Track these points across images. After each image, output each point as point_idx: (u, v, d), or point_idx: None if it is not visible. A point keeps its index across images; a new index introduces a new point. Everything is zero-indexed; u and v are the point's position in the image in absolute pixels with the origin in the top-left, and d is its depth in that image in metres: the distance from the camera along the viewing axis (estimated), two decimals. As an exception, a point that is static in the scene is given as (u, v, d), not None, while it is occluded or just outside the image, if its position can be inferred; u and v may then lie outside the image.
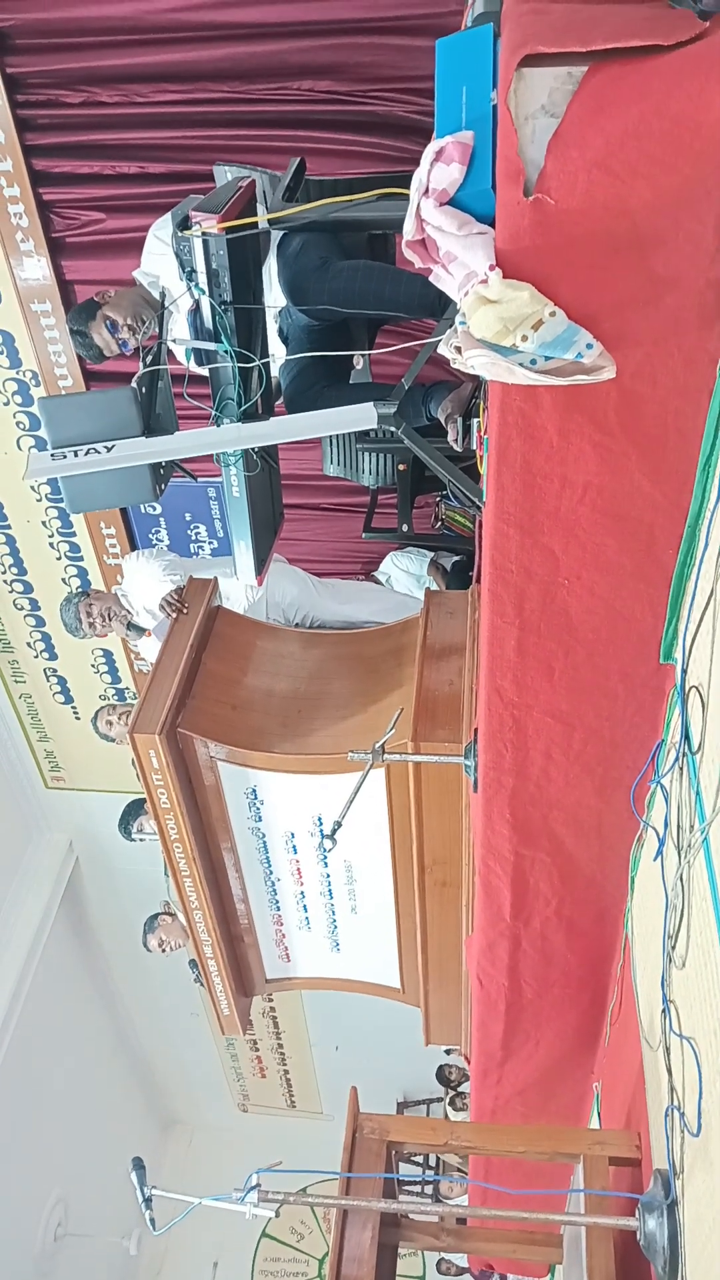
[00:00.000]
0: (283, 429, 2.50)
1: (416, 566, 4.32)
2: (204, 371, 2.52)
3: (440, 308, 2.50)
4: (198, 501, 5.01)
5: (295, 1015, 8.46)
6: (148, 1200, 2.27)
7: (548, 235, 1.53)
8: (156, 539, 5.21)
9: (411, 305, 2.71)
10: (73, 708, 6.20)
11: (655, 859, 2.14)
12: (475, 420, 2.57)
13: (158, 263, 2.86)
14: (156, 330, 2.74)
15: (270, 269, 2.81)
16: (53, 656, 5.95)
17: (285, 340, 2.98)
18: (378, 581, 4.40)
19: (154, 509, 5.09)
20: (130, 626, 3.74)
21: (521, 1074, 3.18)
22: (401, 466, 3.48)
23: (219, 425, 2.45)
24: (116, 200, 4.09)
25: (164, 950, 4.04)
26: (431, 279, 1.68)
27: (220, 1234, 8.21)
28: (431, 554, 4.33)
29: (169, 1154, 9.71)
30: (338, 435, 3.59)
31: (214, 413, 2.46)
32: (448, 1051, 7.28)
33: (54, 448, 2.33)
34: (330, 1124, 9.12)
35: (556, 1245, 2.90)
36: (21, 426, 4.85)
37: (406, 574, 4.30)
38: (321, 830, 3.11)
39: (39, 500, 5.18)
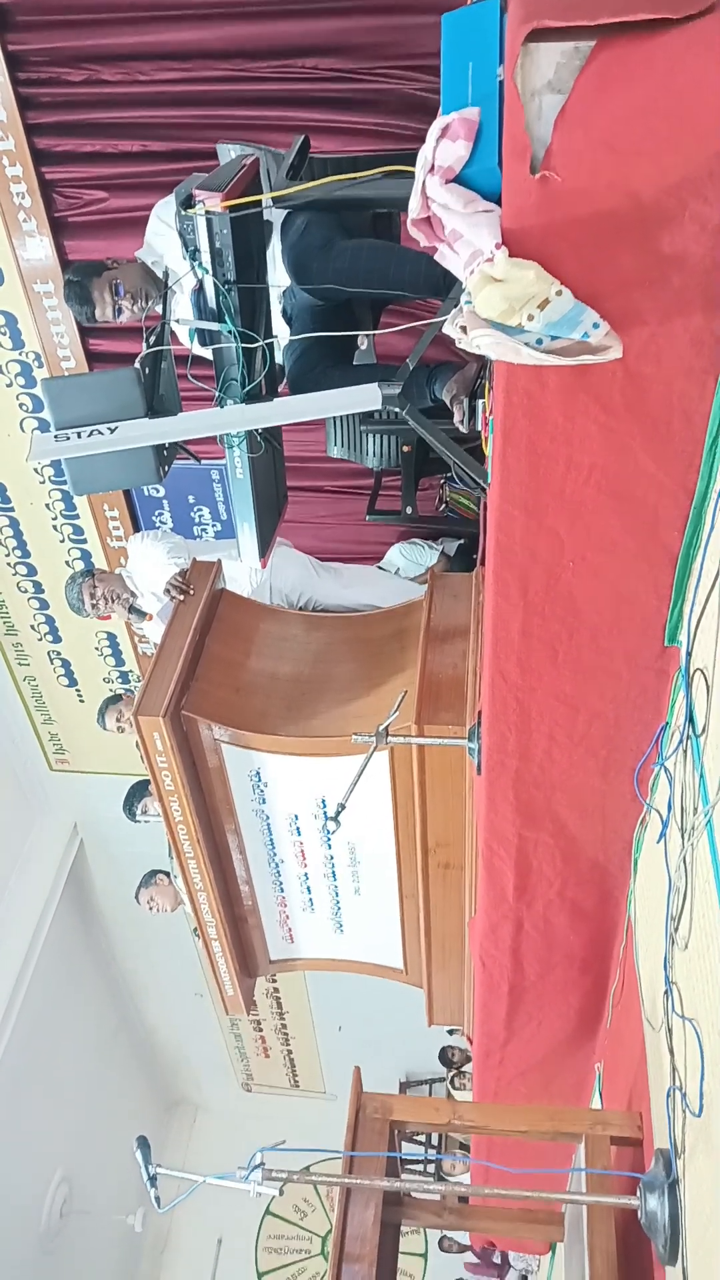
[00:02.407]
0: (286, 410, 2.49)
1: (426, 558, 4.30)
2: (207, 353, 2.51)
3: (445, 287, 2.48)
4: (201, 483, 5.00)
5: (299, 995, 8.50)
6: (152, 1179, 2.28)
7: (554, 213, 1.52)
8: (160, 521, 5.21)
9: (416, 284, 2.70)
10: (77, 690, 6.21)
11: (658, 841, 2.14)
12: (480, 401, 2.56)
13: (161, 242, 2.84)
14: (160, 310, 2.72)
15: (274, 248, 2.79)
16: (56, 639, 5.96)
17: (289, 320, 2.96)
18: (384, 571, 4.38)
19: (157, 491, 5.08)
20: (132, 610, 3.74)
21: (524, 1055, 3.19)
22: (406, 448, 3.47)
23: (222, 406, 2.44)
24: (119, 179, 4.06)
25: (151, 909, 4.07)
26: (437, 257, 1.67)
27: (224, 1212, 8.27)
28: (440, 548, 4.31)
29: (173, 1133, 9.78)
30: (342, 417, 3.58)
31: (217, 394, 2.45)
32: (450, 1032, 7.31)
33: (57, 429, 2.32)
34: (333, 1104, 9.18)
35: (558, 1224, 2.93)
36: (25, 408, 4.84)
37: (415, 564, 4.29)
38: (325, 812, 3.12)
39: (42, 482, 5.18)
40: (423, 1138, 7.22)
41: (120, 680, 6.08)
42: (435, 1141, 7.23)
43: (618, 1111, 2.60)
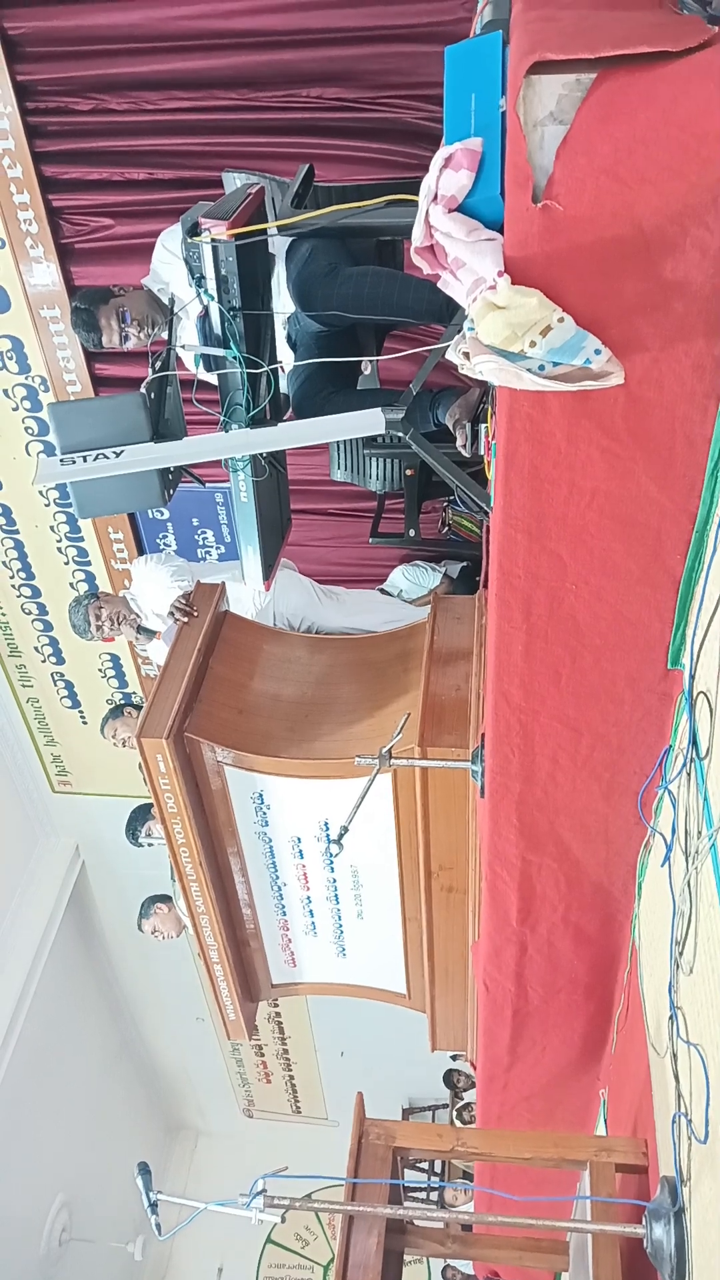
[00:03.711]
0: (290, 434, 2.50)
1: (429, 580, 4.31)
2: (212, 378, 2.53)
3: (448, 313, 2.50)
4: (205, 507, 5.02)
5: (301, 1020, 8.45)
6: (153, 1205, 2.27)
7: (556, 241, 1.54)
8: (164, 544, 5.22)
9: (420, 311, 2.72)
10: (80, 712, 6.21)
11: (663, 865, 2.14)
12: (483, 426, 2.57)
13: (167, 270, 2.87)
14: (165, 336, 2.75)
15: (279, 275, 2.82)
16: (60, 661, 5.96)
17: (293, 346, 2.99)
18: (387, 594, 4.39)
19: (162, 514, 5.10)
20: (140, 630, 3.75)
21: (528, 1080, 3.17)
22: (409, 472, 3.48)
23: (227, 431, 2.45)
24: (125, 206, 4.10)
25: (156, 937, 4.06)
26: (440, 285, 1.69)
27: (225, 1239, 8.17)
28: (443, 570, 4.32)
29: (174, 1159, 9.69)
30: (345, 440, 3.60)
31: (222, 418, 2.47)
32: (454, 1058, 7.26)
33: (63, 453, 2.34)
34: (335, 1130, 9.10)
35: (563, 1252, 2.90)
36: (30, 432, 4.87)
37: (417, 586, 4.30)
38: (328, 835, 3.11)
39: (47, 505, 5.20)
40: (426, 1165, 7.16)
41: (123, 701, 6.07)
42: (438, 1169, 7.16)
43: (623, 1138, 2.58)
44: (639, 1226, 2.10)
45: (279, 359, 2.73)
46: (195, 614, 3.21)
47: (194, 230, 2.28)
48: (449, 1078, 7.73)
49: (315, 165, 2.89)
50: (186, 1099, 9.74)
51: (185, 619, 3.19)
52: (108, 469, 2.33)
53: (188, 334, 2.69)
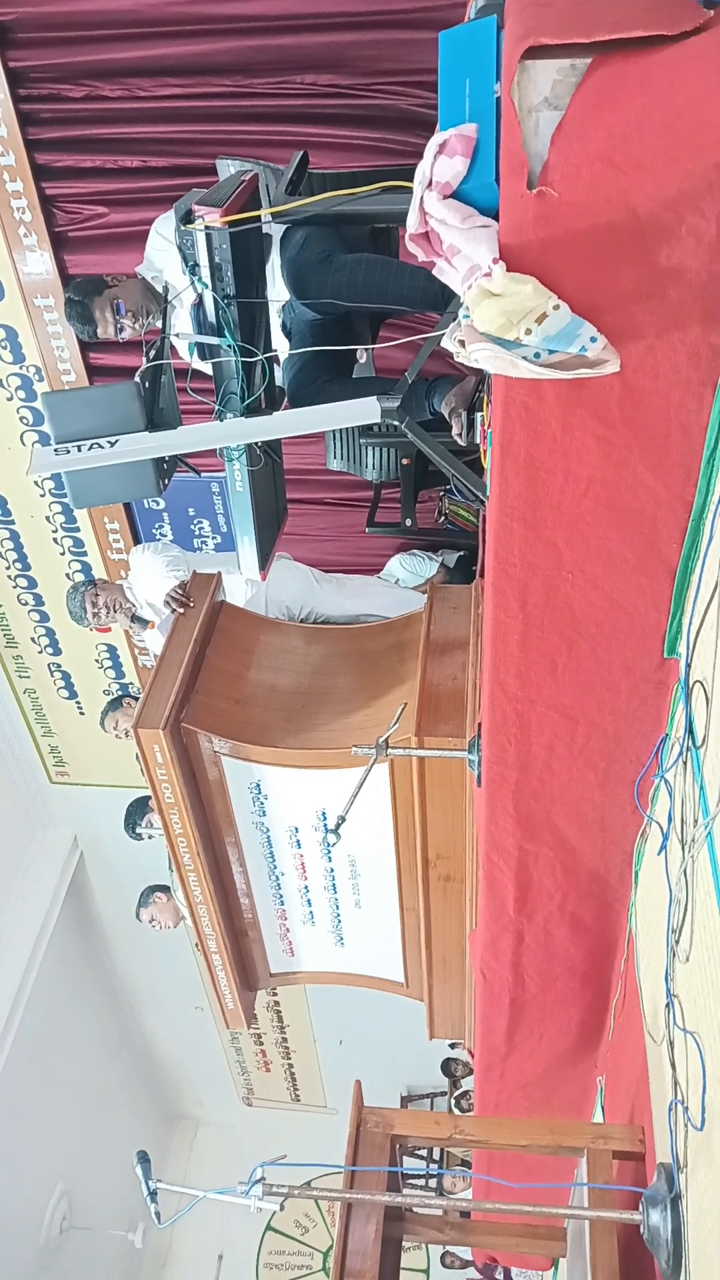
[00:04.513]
0: (286, 423, 2.49)
1: (426, 569, 4.31)
2: (207, 367, 2.52)
3: (443, 301, 2.49)
4: (201, 496, 5.01)
5: (299, 1009, 8.47)
6: (153, 1193, 2.27)
7: (551, 228, 1.53)
8: (160, 534, 5.21)
9: (415, 299, 2.71)
10: (77, 703, 6.21)
11: (659, 853, 2.14)
12: (479, 414, 2.57)
13: (161, 258, 2.86)
14: (159, 325, 2.73)
15: (273, 263, 2.80)
16: (57, 651, 5.96)
17: (288, 335, 2.97)
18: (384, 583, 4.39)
19: (157, 504, 5.09)
20: (134, 619, 3.75)
21: (525, 1068, 3.18)
22: (405, 461, 3.47)
23: (222, 420, 2.45)
24: (119, 194, 4.08)
25: (154, 927, 4.06)
26: (435, 272, 1.68)
27: (225, 1227, 8.23)
28: (440, 559, 4.32)
29: (173, 1147, 9.73)
30: (341, 430, 3.59)
31: (217, 407, 2.46)
32: (452, 1046, 7.29)
33: (57, 443, 2.33)
34: (334, 1118, 9.14)
35: (560, 1239, 2.91)
36: (25, 421, 4.85)
37: (414, 576, 4.30)
38: (325, 825, 3.11)
39: (43, 495, 5.19)
40: (424, 1152, 7.19)
41: (120, 692, 6.06)
42: (437, 1156, 7.20)
43: (619, 1125, 2.59)
44: (636, 1213, 2.11)
45: (274, 347, 2.72)
46: (191, 604, 3.20)
47: (188, 217, 2.27)
48: (447, 1065, 7.76)
49: (310, 152, 2.87)
50: (185, 1088, 9.77)
51: (181, 609, 3.19)
52: (102, 459, 2.33)
53: (182, 322, 2.68)
